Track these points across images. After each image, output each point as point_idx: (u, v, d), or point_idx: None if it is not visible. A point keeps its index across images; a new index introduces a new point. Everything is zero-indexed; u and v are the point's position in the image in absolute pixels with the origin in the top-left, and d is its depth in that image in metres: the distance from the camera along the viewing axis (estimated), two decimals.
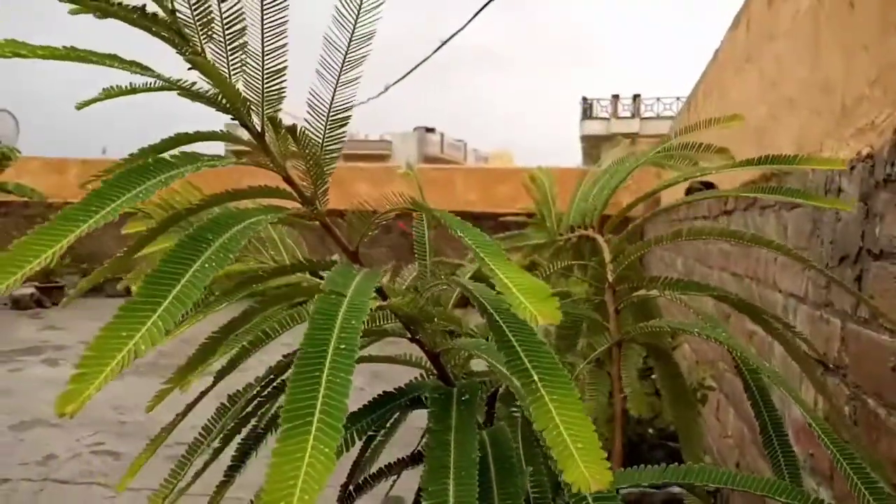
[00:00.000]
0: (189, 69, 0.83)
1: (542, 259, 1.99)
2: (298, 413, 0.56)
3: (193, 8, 0.81)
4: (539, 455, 0.95)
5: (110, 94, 0.85)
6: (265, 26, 0.78)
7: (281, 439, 0.55)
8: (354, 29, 0.77)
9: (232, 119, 0.83)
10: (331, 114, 0.84)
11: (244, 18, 0.80)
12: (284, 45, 0.80)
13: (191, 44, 0.81)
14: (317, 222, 0.89)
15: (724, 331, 1.04)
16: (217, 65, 0.82)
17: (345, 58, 0.79)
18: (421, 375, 1.06)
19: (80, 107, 0.88)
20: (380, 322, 0.96)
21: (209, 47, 0.83)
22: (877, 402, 1.57)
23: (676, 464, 0.92)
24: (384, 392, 1.00)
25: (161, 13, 0.82)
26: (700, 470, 0.89)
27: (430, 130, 34.04)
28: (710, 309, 3.05)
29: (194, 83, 0.80)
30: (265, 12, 0.77)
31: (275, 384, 1.02)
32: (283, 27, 0.79)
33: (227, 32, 0.80)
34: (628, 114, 26.34)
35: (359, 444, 1.02)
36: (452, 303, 1.16)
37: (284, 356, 1.01)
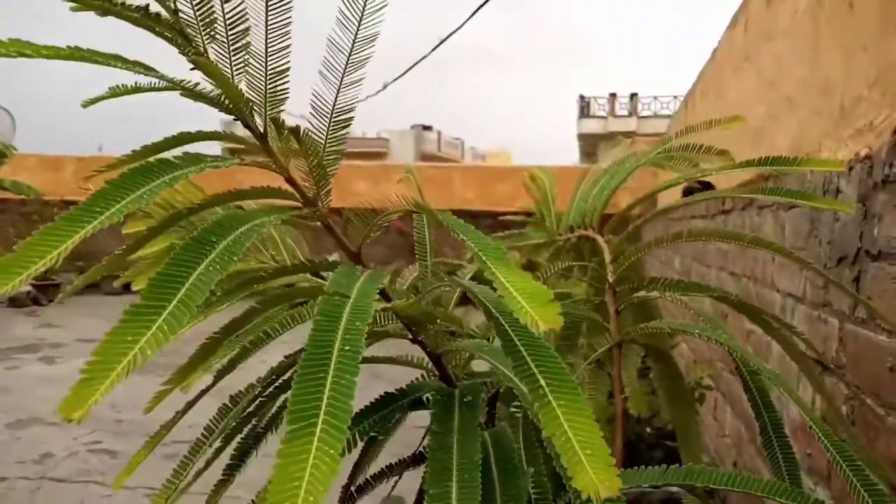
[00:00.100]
0: (192, 69, 0.83)
1: (541, 258, 1.99)
2: (303, 414, 0.57)
3: (196, 8, 0.80)
4: (540, 456, 0.96)
5: (116, 93, 0.85)
6: (269, 27, 0.78)
7: (286, 440, 0.55)
8: (358, 30, 0.77)
9: (235, 120, 0.83)
10: (334, 115, 0.84)
11: (247, 19, 0.80)
12: (288, 47, 0.80)
13: (193, 44, 0.81)
14: (319, 223, 0.89)
15: (724, 332, 1.05)
16: (220, 65, 0.82)
17: (348, 59, 0.79)
18: (422, 376, 1.06)
19: (85, 105, 0.88)
20: (382, 322, 0.96)
21: (212, 47, 0.83)
22: (875, 402, 1.58)
23: (677, 465, 0.92)
24: (386, 393, 1.00)
25: (164, 13, 0.82)
26: (700, 471, 0.90)
27: (428, 128, 34.02)
28: (708, 308, 3.06)
29: (197, 84, 0.79)
30: (269, 13, 0.77)
31: (276, 384, 1.02)
32: (286, 28, 0.79)
33: (229, 33, 0.80)
34: (626, 112, 26.36)
35: (360, 445, 1.02)
36: (453, 303, 1.16)
37: (286, 356, 1.01)
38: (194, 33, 0.82)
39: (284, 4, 0.78)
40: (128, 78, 0.85)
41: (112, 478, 3.53)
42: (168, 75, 0.82)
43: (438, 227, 0.88)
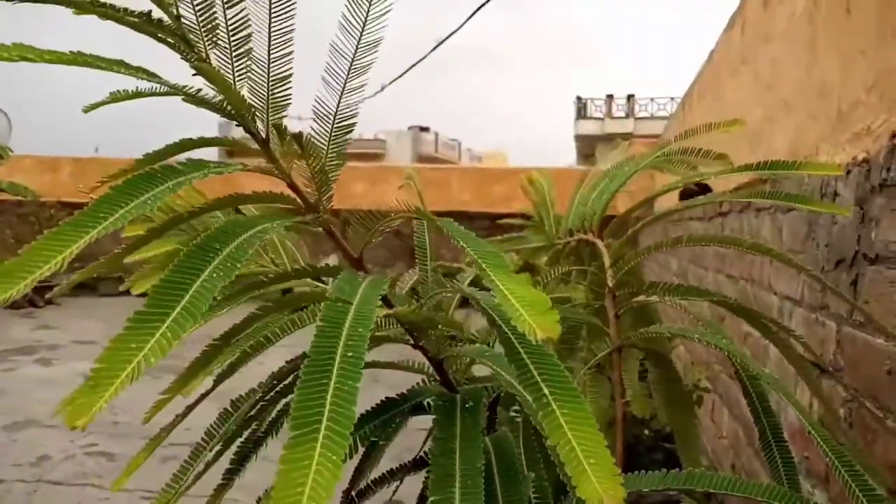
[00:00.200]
0: (194, 75, 0.83)
1: (540, 261, 1.99)
2: (306, 420, 0.57)
3: (198, 14, 0.81)
4: (540, 460, 0.96)
5: (116, 98, 0.85)
6: (272, 34, 0.78)
7: (289, 446, 0.56)
8: (361, 36, 0.77)
9: (237, 125, 0.83)
10: (336, 120, 0.84)
11: (250, 25, 0.80)
12: (290, 53, 0.80)
13: (196, 50, 0.81)
14: (320, 228, 0.89)
15: (723, 336, 1.05)
16: (222, 71, 0.82)
17: (351, 65, 0.79)
18: (423, 381, 1.06)
19: (86, 110, 0.88)
20: (382, 327, 0.96)
21: (214, 53, 0.83)
22: (873, 405, 1.59)
23: (677, 469, 0.93)
24: (387, 398, 1.00)
25: (166, 19, 0.82)
26: (700, 475, 0.90)
27: (425, 130, 34.03)
28: (706, 311, 3.07)
29: (199, 90, 0.80)
30: (272, 20, 0.77)
31: (277, 389, 1.03)
32: (289, 35, 0.79)
33: (232, 39, 0.80)
34: (622, 114, 26.40)
35: (360, 450, 1.02)
36: (454, 306, 1.16)
37: (288, 361, 1.01)
38: (196, 39, 0.82)
39: (287, 11, 0.78)
40: (128, 81, 0.85)
41: (109, 480, 3.52)
42: (170, 81, 0.83)
43: (438, 231, 0.88)
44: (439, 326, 0.93)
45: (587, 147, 26.80)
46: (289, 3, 0.78)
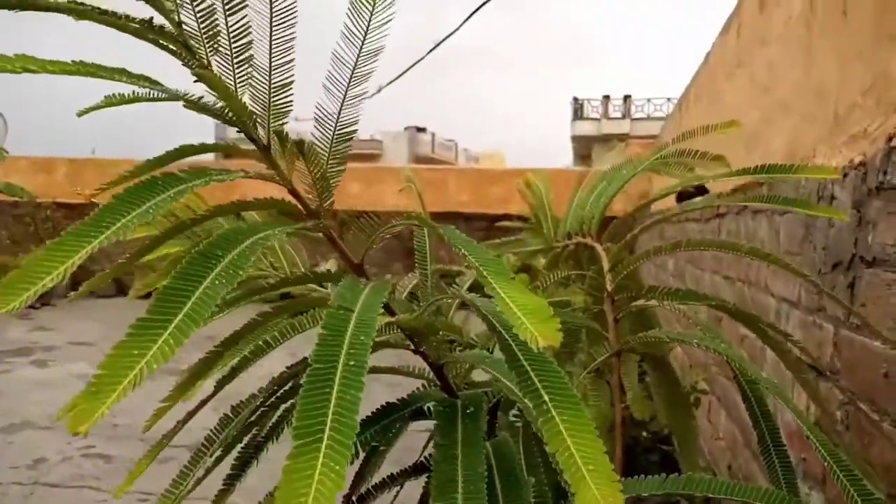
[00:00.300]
0: (195, 81, 0.83)
1: (538, 263, 2.00)
2: (309, 430, 0.57)
3: (200, 21, 0.81)
4: (540, 465, 0.96)
5: (112, 102, 0.85)
6: (273, 41, 0.78)
7: (292, 456, 0.56)
8: (363, 45, 0.77)
9: (238, 131, 0.83)
10: (337, 128, 0.84)
11: (251, 32, 0.81)
12: (292, 61, 0.80)
13: (197, 56, 0.82)
14: (321, 234, 0.89)
15: (722, 341, 1.05)
16: (223, 77, 0.82)
17: (352, 74, 0.80)
18: (423, 386, 1.06)
19: (80, 114, 0.88)
20: (383, 332, 0.97)
21: (215, 60, 0.83)
22: (869, 408, 1.59)
23: (676, 474, 0.93)
24: (387, 403, 1.01)
25: (168, 25, 0.82)
26: (700, 480, 0.91)
27: (422, 130, 34.03)
28: (703, 312, 3.07)
29: (202, 97, 0.80)
30: (273, 28, 0.78)
31: (277, 395, 1.03)
32: (290, 43, 0.79)
33: (233, 46, 0.81)
34: (619, 115, 26.44)
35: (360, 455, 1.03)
36: (453, 310, 1.16)
37: (288, 367, 1.01)
38: (198, 45, 0.82)
39: (288, 20, 0.78)
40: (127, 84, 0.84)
41: (106, 482, 3.51)
42: (171, 87, 0.83)
43: (439, 238, 0.88)
44: (440, 333, 0.93)
45: (584, 148, 26.83)
46: (290, 12, 0.78)
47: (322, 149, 0.85)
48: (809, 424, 0.96)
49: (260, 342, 1.04)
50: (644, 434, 2.96)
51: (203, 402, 1.04)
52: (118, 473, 3.62)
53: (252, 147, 0.89)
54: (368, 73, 0.79)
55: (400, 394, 1.12)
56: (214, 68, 0.83)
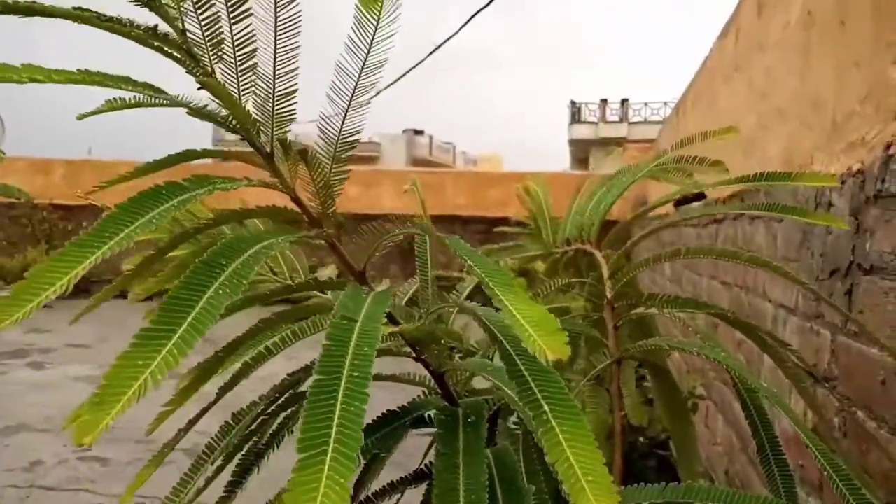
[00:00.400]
0: (199, 89, 0.83)
1: (538, 266, 2.00)
2: (314, 442, 0.57)
3: (204, 29, 0.81)
4: (540, 473, 0.96)
5: (114, 106, 0.84)
6: (277, 50, 0.79)
7: (297, 469, 0.56)
8: (367, 58, 0.78)
9: (242, 138, 0.84)
10: (340, 136, 0.85)
11: (255, 40, 0.81)
12: (296, 69, 0.80)
13: (201, 64, 0.82)
14: (322, 241, 0.89)
15: (721, 350, 1.06)
16: (227, 85, 0.83)
17: (356, 85, 0.80)
18: (423, 393, 1.06)
19: (80, 118, 0.88)
20: (385, 340, 0.97)
21: (219, 67, 0.83)
22: (866, 415, 1.60)
23: (675, 482, 0.93)
24: (388, 411, 1.01)
25: (172, 33, 0.83)
26: (699, 489, 0.91)
27: (419, 133, 34.06)
28: (700, 318, 3.08)
29: (206, 105, 0.80)
30: (278, 37, 0.78)
31: (278, 402, 1.03)
32: (294, 52, 0.79)
33: (237, 54, 0.81)
34: (616, 118, 26.50)
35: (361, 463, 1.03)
36: (454, 316, 1.17)
37: (290, 374, 1.01)
38: (202, 53, 0.83)
39: (293, 28, 0.78)
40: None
41: (102, 485, 3.51)
42: (174, 94, 0.83)
43: (441, 245, 0.88)
44: (442, 341, 0.94)
45: (581, 151, 26.88)
46: (294, 22, 0.78)
47: (325, 157, 0.85)
48: (808, 433, 0.96)
49: (261, 349, 1.05)
50: (641, 440, 2.96)
51: (204, 410, 1.04)
52: (114, 477, 3.61)
53: (252, 150, 0.89)
54: (371, 84, 0.80)
55: (398, 397, 1.12)
56: (218, 76, 0.83)
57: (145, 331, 0.60)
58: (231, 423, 1.00)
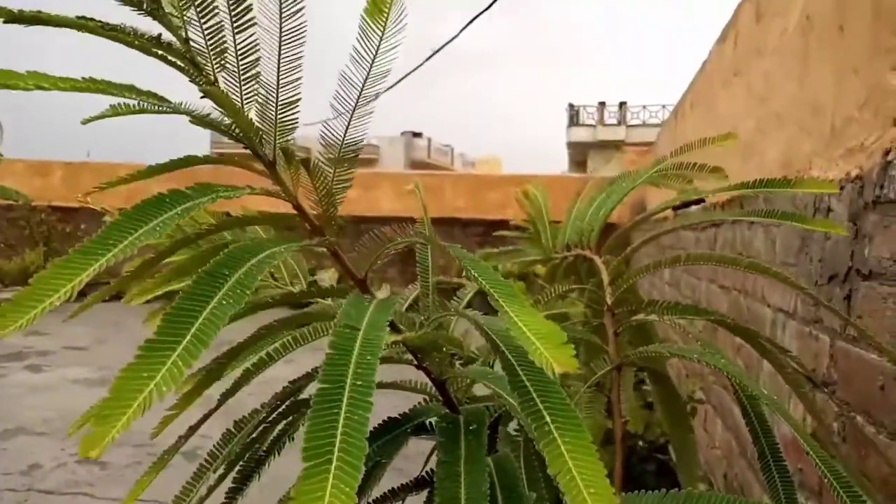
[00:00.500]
0: (202, 97, 0.84)
1: (538, 270, 2.00)
2: (318, 451, 0.57)
3: (207, 38, 0.81)
4: (541, 479, 0.97)
5: (118, 111, 0.85)
6: (281, 59, 0.79)
7: (302, 478, 0.56)
8: (371, 68, 0.78)
9: (245, 147, 0.84)
10: (343, 145, 0.85)
11: (258, 49, 0.81)
12: (299, 78, 0.81)
13: (204, 73, 0.82)
14: (324, 249, 0.89)
15: (722, 357, 1.06)
16: (230, 94, 0.83)
17: (360, 94, 0.80)
18: (424, 400, 1.07)
19: (85, 122, 0.88)
20: (386, 347, 0.97)
21: (222, 76, 0.83)
22: (865, 420, 1.60)
23: (676, 489, 0.94)
24: (389, 418, 1.01)
25: (175, 42, 0.83)
26: (700, 496, 0.91)
27: (418, 135, 34.08)
28: (699, 323, 3.08)
29: (208, 114, 0.80)
30: (282, 46, 0.78)
31: (279, 410, 1.03)
32: (298, 61, 0.80)
33: (240, 63, 0.81)
34: (614, 121, 26.54)
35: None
36: (454, 323, 1.17)
37: (291, 382, 1.01)
38: (205, 62, 0.83)
39: (297, 39, 0.79)
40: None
41: (101, 489, 3.50)
42: (177, 102, 0.83)
43: (443, 252, 0.88)
44: (444, 350, 0.94)
45: (579, 154, 26.92)
46: (299, 32, 0.78)
47: (327, 165, 0.86)
48: (808, 439, 0.97)
49: (262, 355, 1.05)
50: (640, 444, 2.96)
51: (206, 416, 1.04)
52: (113, 480, 3.60)
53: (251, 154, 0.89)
54: (375, 93, 0.80)
55: (398, 403, 1.13)
56: (221, 84, 0.84)
57: (149, 342, 0.61)
58: (233, 431, 1.00)
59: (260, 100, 0.83)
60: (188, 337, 0.61)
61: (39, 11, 0.77)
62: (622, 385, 1.22)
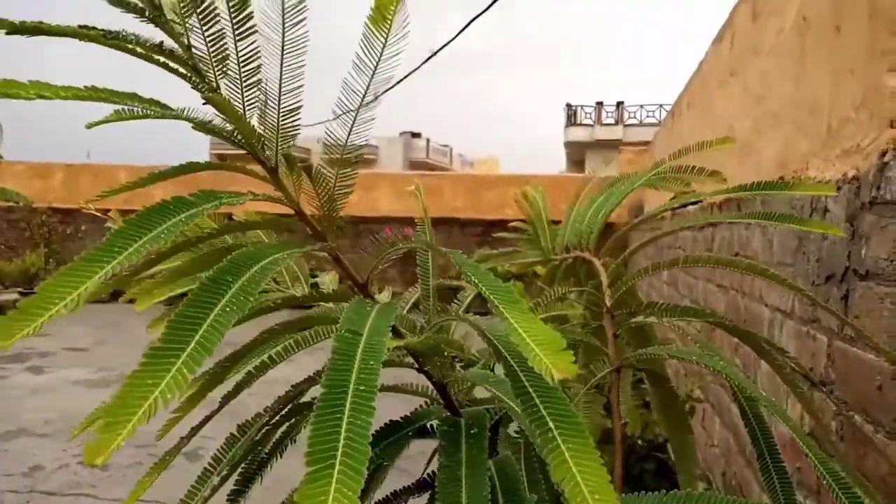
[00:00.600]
0: (204, 103, 0.84)
1: (538, 270, 2.01)
2: (322, 456, 0.58)
3: (209, 45, 0.82)
4: (541, 481, 0.98)
5: (122, 116, 0.85)
6: (283, 68, 0.80)
7: (305, 482, 0.57)
8: (373, 75, 0.79)
9: (247, 153, 0.85)
10: (345, 152, 0.86)
11: (260, 56, 0.82)
12: (301, 86, 0.81)
13: (206, 80, 0.83)
14: (326, 254, 0.90)
15: (721, 358, 1.07)
16: (232, 100, 0.84)
17: (361, 101, 0.81)
18: (426, 403, 1.08)
19: (89, 126, 0.89)
20: (388, 351, 0.97)
21: (224, 83, 0.84)
22: (863, 419, 1.61)
23: (676, 490, 0.94)
24: (391, 421, 1.02)
25: (177, 49, 0.84)
26: (699, 496, 0.92)
27: (416, 135, 34.09)
28: (696, 322, 3.09)
29: (210, 120, 0.81)
30: (285, 56, 0.79)
31: (282, 413, 1.04)
32: (300, 69, 0.80)
33: (242, 70, 0.82)
34: (612, 121, 26.57)
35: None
36: (454, 327, 1.18)
37: (293, 386, 1.02)
38: (207, 69, 0.84)
39: (299, 48, 0.79)
40: (130, 88, 0.85)
41: (103, 490, 3.51)
42: (179, 109, 0.84)
43: (443, 257, 0.89)
44: (445, 353, 0.95)
45: (577, 153, 26.94)
46: (300, 41, 0.79)
47: (329, 171, 0.87)
48: (807, 440, 0.98)
49: (265, 358, 1.06)
50: (640, 442, 2.97)
51: (208, 418, 1.05)
52: (115, 481, 3.61)
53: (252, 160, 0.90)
54: (376, 97, 0.81)
55: (396, 402, 1.14)
56: (223, 91, 0.84)
57: (154, 349, 0.61)
58: (237, 435, 1.01)
59: (262, 106, 0.84)
60: (192, 344, 0.62)
61: (41, 22, 0.78)
62: (621, 386, 1.22)
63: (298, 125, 0.84)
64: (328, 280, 1.46)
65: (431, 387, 1.00)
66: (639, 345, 1.29)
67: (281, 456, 1.07)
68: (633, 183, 1.51)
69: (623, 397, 1.31)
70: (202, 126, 0.85)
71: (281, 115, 0.82)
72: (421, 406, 1.07)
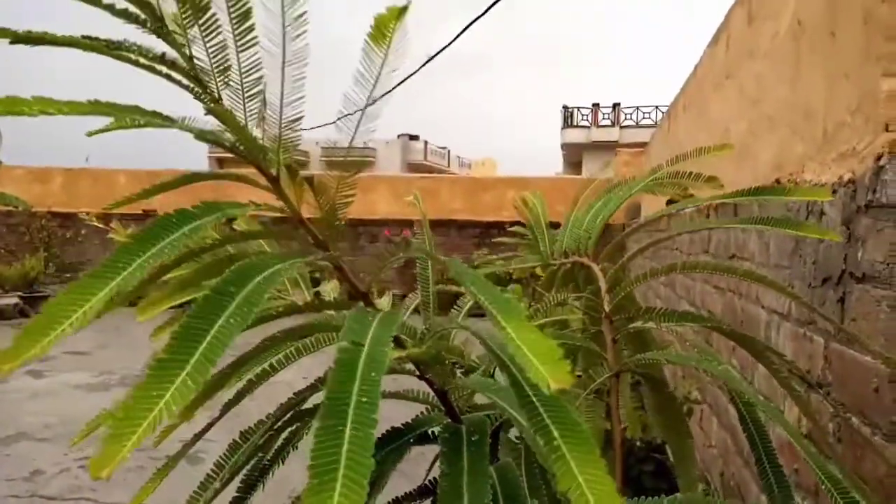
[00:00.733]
0: (206, 113, 0.85)
1: (538, 271, 2.02)
2: (324, 468, 0.59)
3: (211, 56, 0.83)
4: (542, 487, 0.98)
5: (122, 124, 0.86)
6: (285, 80, 0.80)
7: (308, 492, 0.58)
8: (373, 89, 0.80)
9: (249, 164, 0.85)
10: (347, 160, 0.86)
11: (262, 67, 0.83)
12: (302, 97, 0.82)
13: (208, 90, 0.84)
14: (328, 263, 0.91)
15: (720, 363, 1.08)
16: (234, 111, 0.84)
17: (363, 113, 0.82)
18: (427, 409, 1.08)
19: (90, 135, 0.90)
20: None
21: (226, 94, 0.85)
22: (860, 421, 1.62)
23: (676, 494, 0.95)
24: (392, 428, 1.03)
25: (179, 59, 0.85)
26: (699, 500, 0.93)
27: (414, 138, 34.11)
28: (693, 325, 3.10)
29: (212, 130, 0.82)
30: (286, 66, 0.80)
31: (283, 419, 1.04)
32: (301, 80, 0.81)
33: (244, 81, 0.83)
34: (608, 122, 26.61)
35: None
36: (455, 334, 1.19)
37: (295, 393, 1.03)
38: (209, 80, 0.85)
39: (301, 58, 0.80)
40: (131, 88, 0.86)
41: (104, 494, 3.51)
42: (181, 119, 0.85)
43: (441, 264, 0.90)
44: (446, 361, 0.95)
45: (574, 155, 26.97)
46: (302, 54, 0.80)
47: (330, 182, 0.87)
48: (804, 443, 0.99)
49: (266, 366, 1.07)
50: (638, 444, 2.98)
51: (210, 425, 1.06)
52: (116, 485, 3.60)
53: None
54: (378, 111, 0.81)
55: (396, 403, 1.14)
56: (225, 101, 0.85)
57: (159, 361, 0.62)
58: (239, 441, 1.02)
59: (263, 117, 0.85)
60: (196, 356, 0.62)
61: (45, 32, 0.79)
62: (620, 390, 1.23)
63: (300, 135, 0.85)
64: (329, 289, 1.47)
65: (432, 393, 1.01)
66: (637, 349, 1.30)
67: (283, 462, 1.07)
68: (631, 189, 1.52)
69: (622, 401, 1.32)
70: (204, 136, 0.85)
71: (282, 126, 0.83)
72: (422, 412, 1.08)
